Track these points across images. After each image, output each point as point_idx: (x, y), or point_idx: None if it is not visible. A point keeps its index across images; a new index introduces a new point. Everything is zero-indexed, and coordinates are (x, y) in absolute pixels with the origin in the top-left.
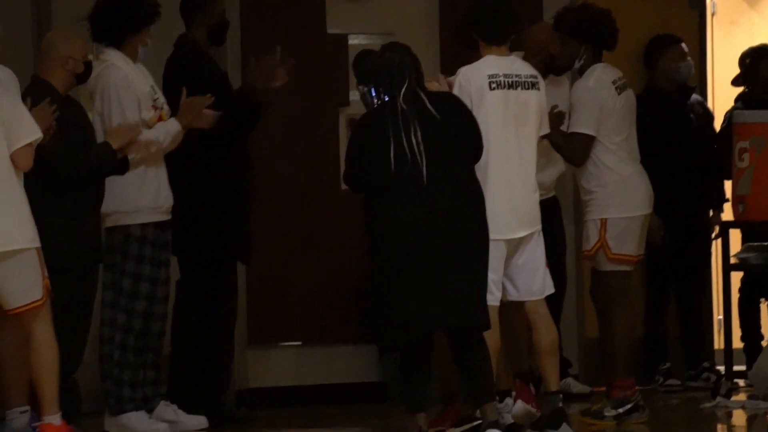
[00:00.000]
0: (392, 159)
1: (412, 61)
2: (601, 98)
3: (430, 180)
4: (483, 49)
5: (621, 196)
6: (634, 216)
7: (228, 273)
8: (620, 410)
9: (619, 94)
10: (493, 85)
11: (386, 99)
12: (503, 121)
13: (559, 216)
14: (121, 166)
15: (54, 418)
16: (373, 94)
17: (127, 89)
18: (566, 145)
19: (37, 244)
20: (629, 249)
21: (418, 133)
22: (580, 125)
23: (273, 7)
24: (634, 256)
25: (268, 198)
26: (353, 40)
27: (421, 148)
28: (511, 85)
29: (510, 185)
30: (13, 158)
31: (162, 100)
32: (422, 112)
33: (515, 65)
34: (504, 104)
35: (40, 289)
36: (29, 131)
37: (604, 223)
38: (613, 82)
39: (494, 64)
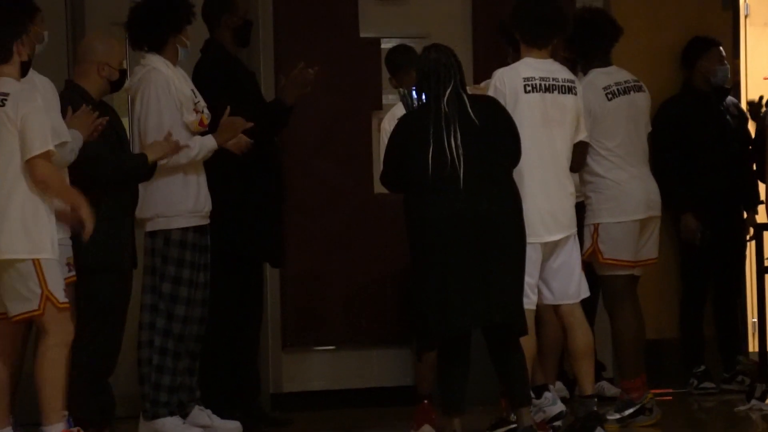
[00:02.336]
0: (431, 160)
1: (456, 63)
2: (588, 103)
3: (466, 182)
4: (523, 51)
5: (613, 201)
6: (627, 221)
7: (255, 276)
8: (624, 413)
9: (609, 99)
10: (528, 88)
11: (425, 99)
12: (539, 124)
13: None
14: (150, 173)
15: (56, 427)
16: (414, 96)
17: (167, 93)
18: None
19: (36, 255)
20: (623, 254)
21: (458, 136)
22: (582, 132)
23: (306, 11)
24: (630, 261)
25: (302, 201)
26: (386, 44)
27: (460, 151)
28: (548, 89)
29: (546, 188)
30: (27, 168)
31: (203, 103)
32: (463, 115)
33: (553, 68)
34: (540, 107)
35: (37, 300)
36: (41, 143)
37: (596, 228)
38: (605, 88)
39: (531, 67)
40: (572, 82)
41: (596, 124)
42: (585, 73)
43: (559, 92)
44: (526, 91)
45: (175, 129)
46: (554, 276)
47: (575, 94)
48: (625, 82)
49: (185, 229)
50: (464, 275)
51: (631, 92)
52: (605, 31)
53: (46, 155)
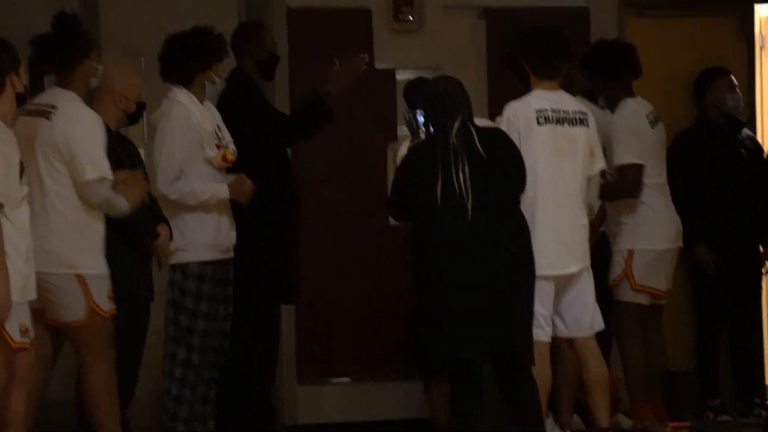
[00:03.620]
0: (439, 192)
1: (463, 95)
2: (638, 130)
3: (474, 214)
4: (533, 83)
5: (650, 228)
6: (663, 249)
7: (271, 309)
8: None
9: (652, 127)
10: (541, 120)
11: (433, 129)
12: (551, 156)
13: (609, 250)
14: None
15: None
16: (420, 120)
17: (185, 128)
18: (615, 180)
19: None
20: (654, 281)
21: (466, 169)
22: (627, 156)
23: (321, 43)
24: (660, 290)
25: (316, 231)
26: (401, 75)
27: (468, 183)
28: (559, 121)
29: (558, 221)
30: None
31: (227, 139)
32: (471, 147)
33: (563, 100)
34: (552, 139)
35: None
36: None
37: (631, 253)
38: (647, 116)
39: (542, 98)
40: (583, 114)
41: (643, 151)
42: (609, 103)
43: (569, 124)
44: (539, 123)
45: (195, 164)
46: (568, 309)
47: (587, 125)
48: (653, 111)
49: (204, 263)
50: (468, 305)
51: (659, 122)
52: (634, 63)
53: None
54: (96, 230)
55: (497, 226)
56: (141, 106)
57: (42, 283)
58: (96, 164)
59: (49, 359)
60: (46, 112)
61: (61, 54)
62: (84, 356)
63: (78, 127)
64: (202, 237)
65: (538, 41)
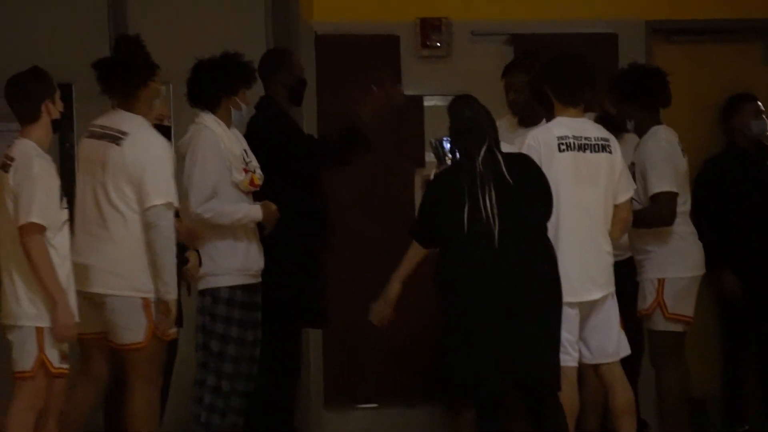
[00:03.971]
0: (466, 219)
1: (489, 120)
2: (673, 158)
3: (501, 241)
4: (557, 109)
5: (680, 256)
6: (692, 276)
7: (294, 333)
8: None
9: (684, 156)
10: (563, 147)
11: (459, 156)
12: (572, 183)
13: (635, 276)
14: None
15: None
16: (446, 147)
17: (215, 152)
18: (650, 208)
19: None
20: (686, 309)
21: (493, 195)
22: (662, 183)
23: (349, 69)
24: (690, 317)
25: (344, 257)
26: (428, 101)
27: (495, 210)
28: (581, 148)
29: (581, 248)
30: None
31: (254, 164)
32: (497, 174)
33: (586, 127)
34: (574, 166)
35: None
36: (25, 213)
37: (662, 282)
38: (678, 143)
39: (565, 125)
40: (606, 140)
41: (677, 179)
42: (638, 129)
43: (591, 151)
44: (560, 150)
45: (223, 188)
46: (592, 335)
47: (609, 152)
48: (678, 141)
49: (233, 288)
50: (496, 333)
51: (683, 151)
52: (666, 90)
53: (30, 227)
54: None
55: (524, 253)
56: (165, 130)
57: (106, 305)
58: (163, 190)
59: (104, 386)
60: (116, 138)
61: (127, 77)
62: (133, 379)
63: (148, 153)
64: (232, 262)
65: (562, 68)
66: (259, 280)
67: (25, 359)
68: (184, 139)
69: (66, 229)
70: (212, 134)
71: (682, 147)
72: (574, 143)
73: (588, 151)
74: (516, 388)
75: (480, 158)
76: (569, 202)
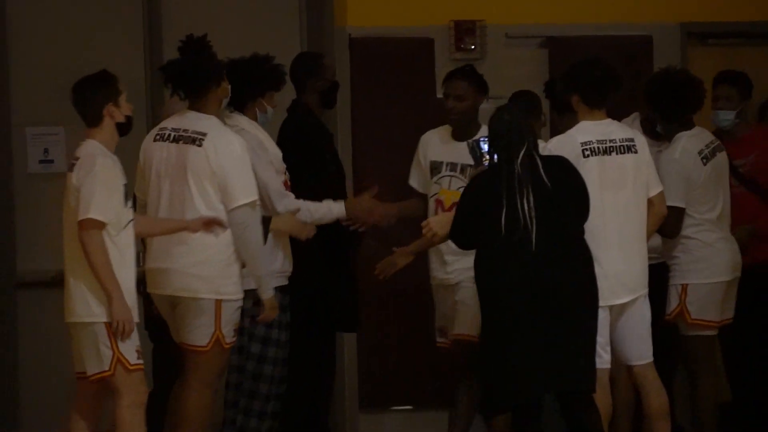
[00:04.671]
0: (503, 222)
1: (528, 124)
2: (687, 170)
3: (539, 244)
4: (581, 113)
5: (703, 262)
6: (717, 282)
7: (328, 337)
8: None
9: (705, 164)
10: (587, 152)
11: (497, 159)
12: (599, 189)
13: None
14: None
15: None
16: (484, 148)
17: (263, 152)
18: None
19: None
20: (710, 315)
21: (531, 198)
22: (671, 198)
23: (383, 72)
24: (716, 322)
25: (377, 261)
26: None
27: (533, 213)
28: (606, 151)
29: (610, 251)
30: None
31: (283, 165)
32: (535, 177)
33: (610, 129)
34: (600, 170)
35: (108, 361)
36: (84, 209)
37: (684, 288)
38: (699, 152)
39: (587, 131)
40: (631, 140)
41: (691, 190)
42: (667, 133)
43: (617, 153)
44: (585, 156)
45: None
46: (624, 337)
47: (635, 152)
48: (711, 143)
49: (274, 289)
50: (533, 341)
51: (717, 153)
52: (694, 98)
53: (88, 223)
54: (238, 257)
55: (562, 257)
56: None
57: (181, 306)
58: (249, 188)
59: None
60: (195, 139)
61: (201, 78)
62: (191, 380)
63: (230, 153)
64: (273, 263)
65: (587, 71)
66: (287, 282)
67: (102, 359)
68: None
69: (131, 228)
70: (253, 136)
71: (712, 150)
72: (598, 147)
73: (614, 153)
74: (552, 391)
75: (519, 161)
76: (597, 206)
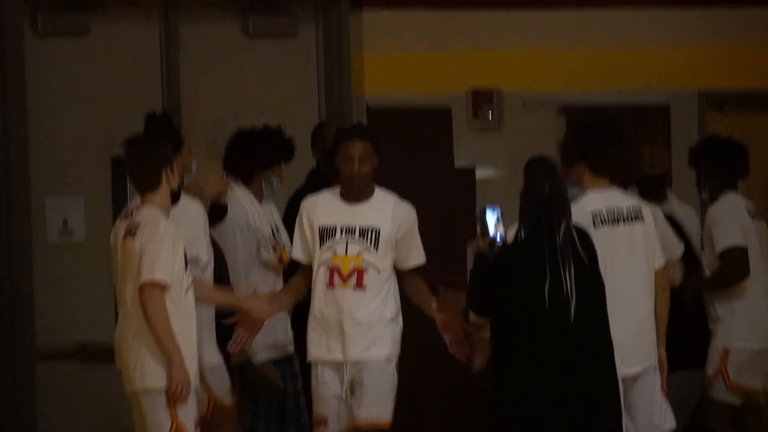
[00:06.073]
0: (547, 294)
1: (566, 192)
2: (739, 216)
3: (576, 316)
4: (587, 181)
5: (747, 324)
6: (760, 348)
7: None
8: None
9: (751, 217)
10: (597, 222)
11: (532, 229)
12: (610, 258)
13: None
14: None
15: None
16: (497, 218)
17: (245, 232)
18: (720, 267)
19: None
20: (752, 381)
21: (572, 271)
22: (730, 238)
23: (401, 141)
24: (758, 389)
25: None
26: (480, 172)
27: (573, 284)
28: (615, 220)
29: (619, 321)
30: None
31: (283, 241)
32: (574, 249)
33: (617, 197)
34: (610, 240)
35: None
36: (148, 271)
37: (726, 351)
38: (747, 209)
39: (596, 200)
40: (638, 208)
41: (746, 235)
42: (712, 195)
43: (624, 222)
44: (594, 226)
45: (252, 267)
46: (636, 408)
47: (643, 220)
48: (751, 209)
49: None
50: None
51: (754, 217)
52: (745, 163)
53: (150, 284)
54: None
55: (596, 328)
56: (221, 209)
57: None
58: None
59: None
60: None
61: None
62: None
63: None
64: (270, 336)
65: (594, 137)
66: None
67: (160, 429)
68: None
69: (191, 293)
70: (242, 213)
71: (753, 213)
72: (607, 217)
73: (622, 223)
74: None
75: (561, 232)
76: (607, 276)
